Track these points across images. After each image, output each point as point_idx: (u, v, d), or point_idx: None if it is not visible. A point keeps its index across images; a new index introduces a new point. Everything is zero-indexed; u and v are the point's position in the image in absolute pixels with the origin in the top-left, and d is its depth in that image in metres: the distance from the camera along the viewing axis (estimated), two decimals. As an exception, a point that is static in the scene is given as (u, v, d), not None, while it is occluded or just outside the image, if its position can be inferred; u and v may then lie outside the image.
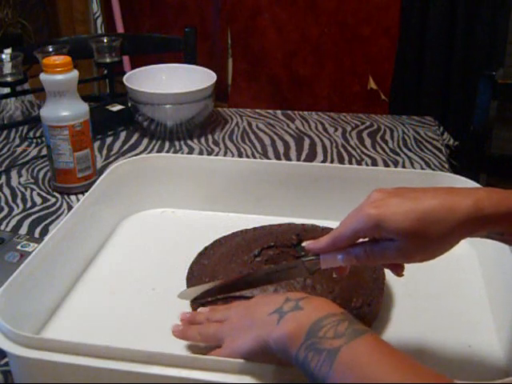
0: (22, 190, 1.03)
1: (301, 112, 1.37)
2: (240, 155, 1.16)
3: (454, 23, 2.01)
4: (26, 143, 1.22)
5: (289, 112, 1.37)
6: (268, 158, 1.15)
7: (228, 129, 1.28)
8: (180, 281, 0.73)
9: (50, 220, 0.93)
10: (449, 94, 2.09)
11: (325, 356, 0.48)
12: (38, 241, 0.82)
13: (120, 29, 2.45)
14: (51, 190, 1.03)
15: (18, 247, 0.82)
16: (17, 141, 1.23)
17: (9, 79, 1.23)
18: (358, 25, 2.21)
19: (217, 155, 1.15)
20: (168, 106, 1.18)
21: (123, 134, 1.25)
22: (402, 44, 2.12)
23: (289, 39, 2.33)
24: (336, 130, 1.27)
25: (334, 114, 1.35)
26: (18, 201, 0.99)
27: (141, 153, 1.17)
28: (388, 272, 0.61)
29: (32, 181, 1.06)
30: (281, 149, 1.18)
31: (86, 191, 0.84)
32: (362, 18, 2.20)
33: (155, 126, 1.22)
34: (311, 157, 1.15)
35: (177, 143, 1.21)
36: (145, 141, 1.22)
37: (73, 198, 1.00)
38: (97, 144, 1.20)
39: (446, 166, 1.11)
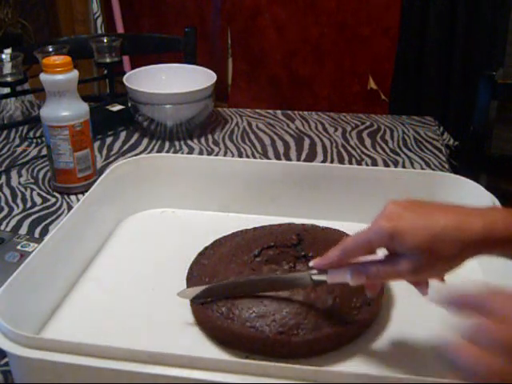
0: (22, 189, 1.03)
1: (301, 112, 1.37)
2: (240, 155, 1.16)
3: (454, 23, 2.01)
4: (25, 143, 1.22)
5: (289, 112, 1.37)
6: (268, 158, 1.15)
7: (228, 129, 1.28)
8: (180, 281, 0.73)
9: (50, 220, 0.94)
10: (449, 94, 2.09)
11: None
12: (38, 241, 0.82)
13: (120, 29, 2.45)
14: (51, 189, 1.03)
15: (18, 247, 0.82)
16: (17, 141, 1.23)
17: (9, 79, 1.23)
18: (358, 25, 2.21)
19: (217, 155, 1.15)
20: (168, 106, 1.18)
21: (123, 134, 1.25)
22: (401, 44, 2.12)
23: (289, 39, 2.33)
24: (336, 130, 1.27)
25: (334, 113, 1.35)
26: (18, 201, 0.99)
27: (141, 153, 1.17)
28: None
29: (32, 181, 1.06)
30: (281, 149, 1.18)
31: (86, 191, 0.84)
32: (362, 18, 2.20)
33: (155, 126, 1.22)
34: (311, 157, 1.15)
35: (177, 143, 1.21)
36: (145, 141, 1.22)
37: (73, 197, 1.00)
38: (97, 144, 1.20)
39: (446, 166, 1.11)
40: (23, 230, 0.90)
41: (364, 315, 0.67)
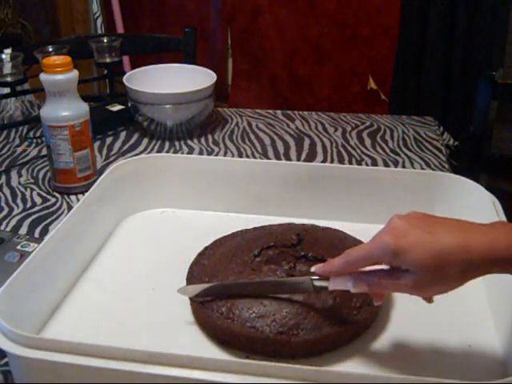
0: (22, 190, 1.03)
1: (301, 112, 1.37)
2: (240, 155, 1.16)
3: (454, 23, 2.02)
4: (26, 143, 1.22)
5: (289, 112, 1.37)
6: (268, 157, 1.15)
7: (228, 129, 1.28)
8: (180, 281, 0.73)
9: (50, 220, 0.94)
10: (449, 94, 2.09)
11: None
12: (38, 241, 0.82)
13: (120, 29, 2.45)
14: (51, 190, 1.03)
15: (18, 247, 0.82)
16: (17, 141, 1.23)
17: (9, 79, 1.23)
18: (358, 25, 2.21)
19: (217, 155, 1.15)
20: (168, 106, 1.18)
21: (123, 134, 1.25)
22: (401, 44, 2.12)
23: (289, 39, 2.33)
24: (336, 130, 1.27)
25: (334, 113, 1.35)
26: (18, 201, 0.99)
27: (141, 153, 1.17)
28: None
29: (32, 181, 1.06)
30: (281, 149, 1.18)
31: (86, 191, 0.84)
32: (362, 18, 2.20)
33: (155, 126, 1.22)
34: (311, 157, 1.15)
35: (177, 143, 1.21)
36: (145, 141, 1.22)
37: (73, 197, 1.00)
38: (97, 144, 1.20)
39: (446, 166, 1.11)
40: (23, 230, 0.90)
41: (364, 315, 0.67)
